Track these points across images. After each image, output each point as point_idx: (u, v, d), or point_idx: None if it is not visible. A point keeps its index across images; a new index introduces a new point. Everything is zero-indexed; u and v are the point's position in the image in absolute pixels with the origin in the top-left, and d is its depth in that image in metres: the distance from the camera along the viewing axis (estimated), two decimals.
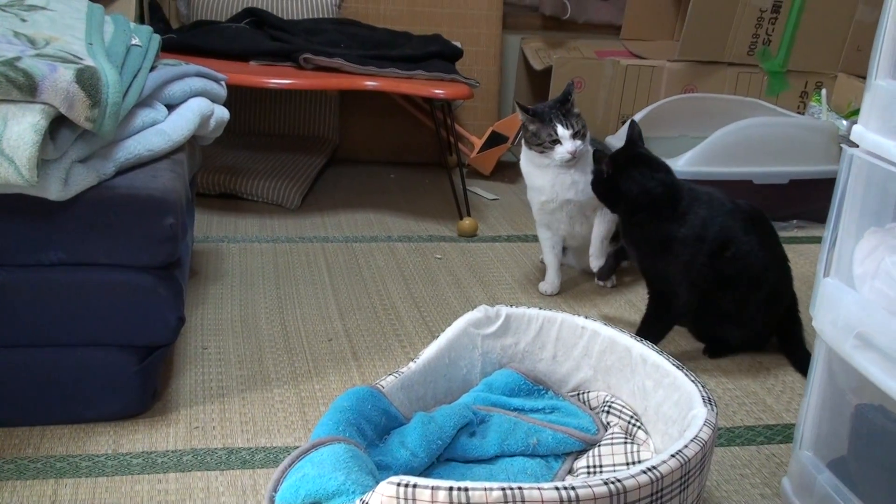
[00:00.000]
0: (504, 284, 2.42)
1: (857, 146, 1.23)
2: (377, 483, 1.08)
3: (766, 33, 3.49)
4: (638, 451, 1.48)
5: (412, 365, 1.52)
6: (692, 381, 1.42)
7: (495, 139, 3.32)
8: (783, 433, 1.75)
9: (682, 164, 2.79)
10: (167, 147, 1.77)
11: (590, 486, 1.08)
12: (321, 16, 3.29)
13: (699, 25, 3.39)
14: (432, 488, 1.06)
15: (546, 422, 1.54)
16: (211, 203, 2.89)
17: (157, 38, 2.02)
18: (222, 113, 2.11)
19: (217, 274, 2.36)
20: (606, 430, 1.55)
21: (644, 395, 1.54)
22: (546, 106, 2.24)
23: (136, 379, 1.63)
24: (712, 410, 1.32)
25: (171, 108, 1.90)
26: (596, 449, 1.50)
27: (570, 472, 1.49)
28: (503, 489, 1.06)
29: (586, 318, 1.66)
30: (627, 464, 1.45)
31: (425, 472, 1.41)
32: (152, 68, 1.88)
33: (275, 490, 1.18)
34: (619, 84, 3.51)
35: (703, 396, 1.37)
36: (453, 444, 1.46)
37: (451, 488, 1.05)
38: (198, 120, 1.93)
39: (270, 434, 1.65)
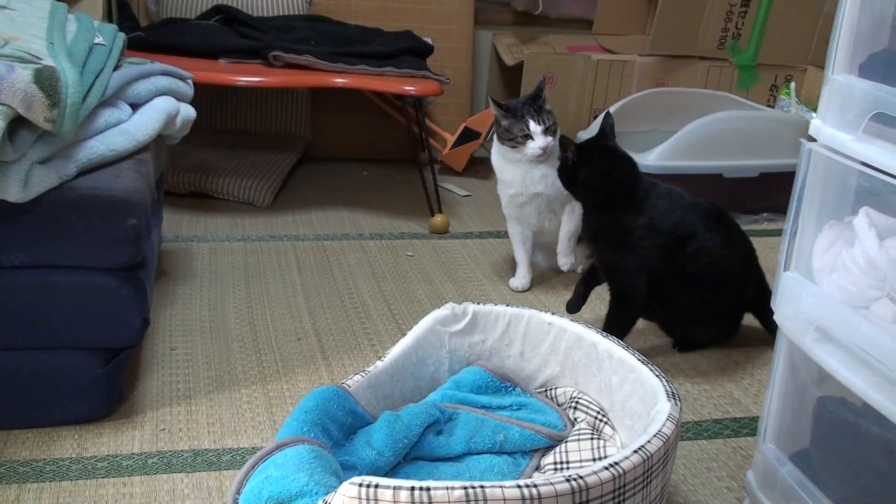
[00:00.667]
0: (475, 281, 2.42)
1: (816, 140, 1.23)
2: (341, 483, 1.08)
3: (736, 27, 3.50)
4: (604, 447, 1.48)
5: (379, 363, 1.51)
6: (657, 375, 1.42)
7: (468, 135, 3.32)
8: (750, 426, 1.76)
9: (654, 159, 2.80)
10: (131, 147, 1.75)
11: (552, 484, 1.08)
12: (292, 13, 3.27)
13: (670, 20, 3.41)
14: (394, 488, 1.05)
15: (513, 419, 1.54)
16: (181, 202, 2.87)
17: (121, 36, 2.01)
18: (188, 112, 2.09)
19: (186, 274, 2.34)
20: (573, 427, 1.55)
21: (610, 390, 1.54)
22: (519, 102, 2.27)
23: (101, 381, 1.62)
24: (676, 405, 1.33)
25: (136, 107, 1.88)
26: (563, 445, 1.51)
27: (538, 468, 1.49)
28: (465, 488, 1.05)
29: (554, 314, 1.66)
30: (594, 459, 1.46)
31: (392, 471, 1.41)
32: (117, 67, 1.87)
33: (238, 492, 1.17)
34: (591, 79, 3.52)
35: (667, 391, 1.37)
36: (420, 442, 1.46)
37: (412, 488, 1.05)
38: (163, 119, 1.91)
39: (237, 435, 1.64)
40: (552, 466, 1.47)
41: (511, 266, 2.49)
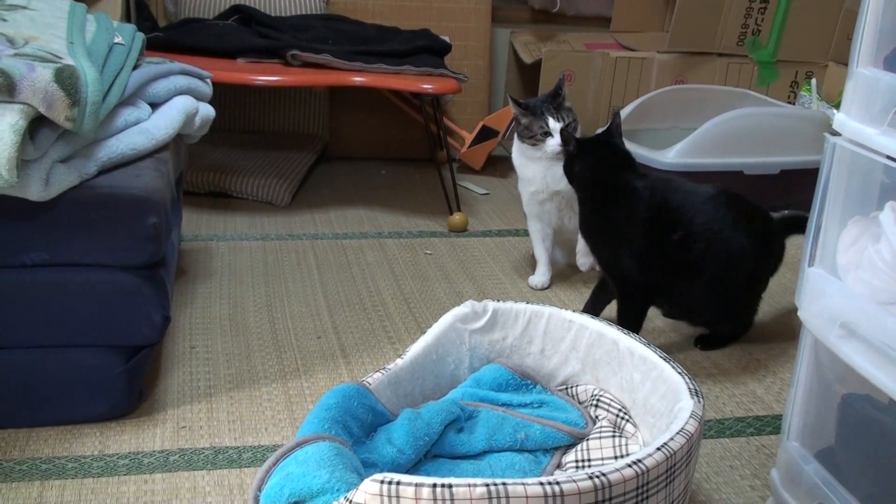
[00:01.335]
0: (494, 279, 2.41)
1: (840, 134, 1.22)
2: (362, 480, 1.08)
3: (756, 23, 3.48)
4: (626, 445, 1.47)
5: (399, 361, 1.51)
6: (679, 373, 1.41)
7: (486, 133, 3.31)
8: (773, 424, 1.75)
9: (673, 156, 2.79)
10: (151, 146, 1.76)
11: (574, 481, 1.08)
12: (309, 12, 3.27)
13: (688, 16, 3.39)
14: (416, 485, 1.05)
15: (534, 416, 1.53)
16: (200, 201, 2.88)
17: (140, 36, 2.01)
18: (207, 111, 2.09)
19: (206, 272, 2.35)
20: (595, 424, 1.54)
21: (632, 388, 1.53)
22: (538, 100, 2.28)
23: (122, 379, 1.62)
24: (699, 402, 1.32)
25: (155, 106, 1.89)
26: (584, 443, 1.50)
27: (559, 466, 1.48)
28: (487, 485, 1.05)
29: (574, 311, 1.66)
30: (616, 457, 1.45)
31: (412, 468, 1.41)
32: (136, 67, 1.87)
33: (259, 489, 1.17)
34: (609, 76, 3.50)
35: (689, 388, 1.36)
36: (441, 440, 1.46)
37: (434, 485, 1.05)
38: (182, 118, 1.92)
39: (258, 432, 1.64)
40: (573, 464, 1.46)
41: (530, 264, 2.48)
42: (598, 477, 1.09)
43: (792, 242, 2.07)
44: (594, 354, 1.62)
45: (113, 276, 1.57)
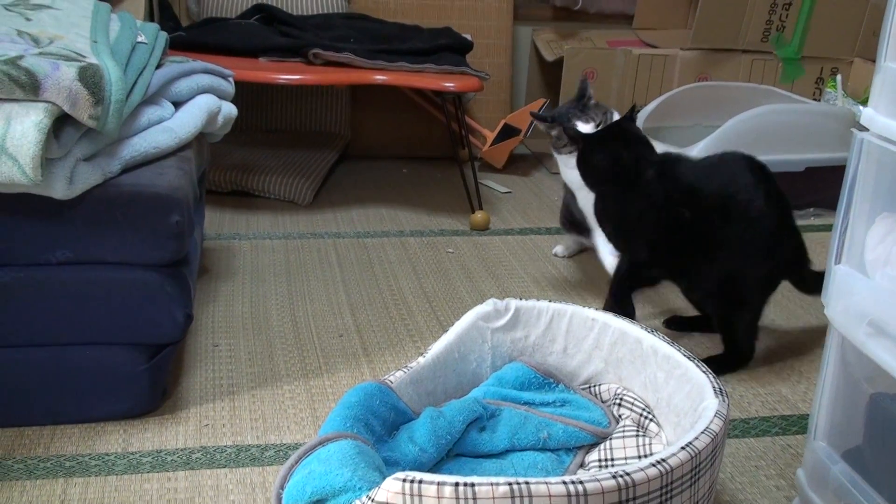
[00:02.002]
0: (516, 278, 2.40)
1: (868, 130, 1.20)
2: (384, 479, 1.07)
3: (780, 19, 3.45)
4: (650, 444, 1.46)
5: (421, 360, 1.51)
6: (703, 372, 1.40)
7: (508, 132, 3.30)
8: (799, 424, 1.73)
9: (697, 153, 2.76)
10: (174, 144, 1.76)
11: (598, 480, 1.07)
12: (331, 11, 3.28)
13: (712, 13, 3.36)
14: (438, 484, 1.04)
15: (557, 415, 1.52)
16: (223, 200, 2.89)
17: (163, 35, 2.02)
18: (230, 109, 2.10)
19: (228, 271, 2.35)
20: (618, 423, 1.53)
21: (655, 387, 1.52)
22: (563, 107, 2.26)
23: (145, 377, 1.63)
24: (724, 401, 1.30)
25: (178, 105, 1.89)
26: (608, 442, 1.49)
27: (582, 465, 1.47)
28: (510, 484, 1.04)
29: (597, 310, 1.64)
30: (639, 457, 1.44)
31: (434, 467, 1.40)
32: (159, 66, 1.87)
33: (281, 487, 1.17)
34: (632, 74, 3.48)
35: (714, 387, 1.35)
36: (463, 438, 1.45)
37: (457, 484, 1.04)
38: (205, 117, 1.92)
39: (280, 431, 1.65)
40: (597, 464, 1.45)
41: (552, 262, 2.47)
42: (622, 476, 1.08)
43: (813, 240, 2.04)
44: (617, 353, 1.60)
45: (136, 273, 1.57)
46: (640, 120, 3.10)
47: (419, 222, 2.80)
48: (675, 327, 2.11)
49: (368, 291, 2.27)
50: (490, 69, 3.32)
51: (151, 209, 1.55)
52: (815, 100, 3.49)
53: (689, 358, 1.45)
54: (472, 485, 1.04)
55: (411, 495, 1.05)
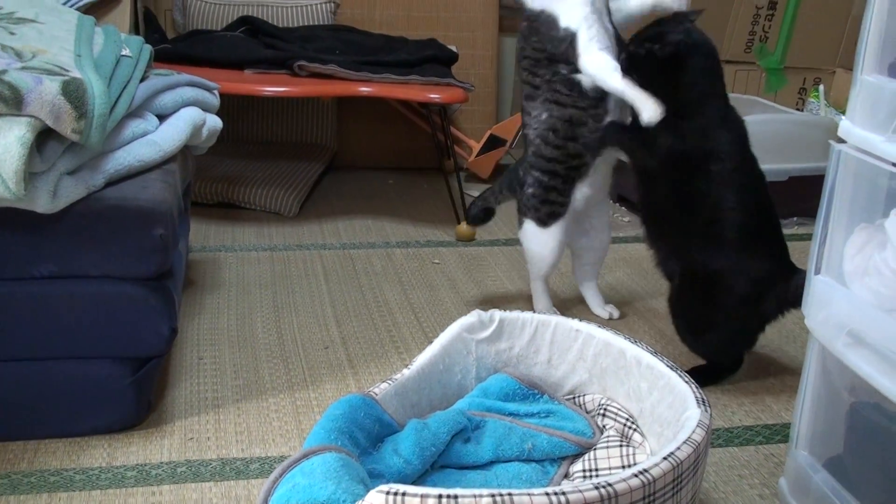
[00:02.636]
0: (502, 289, 2.41)
1: (845, 142, 1.22)
2: (368, 492, 1.08)
3: (763, 30, 3.47)
4: (634, 454, 1.46)
5: (406, 371, 1.51)
6: (686, 382, 1.41)
7: (494, 142, 3.31)
8: (782, 432, 1.74)
9: None
10: (158, 157, 1.76)
11: (580, 491, 1.07)
12: (317, 23, 3.29)
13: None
14: (421, 496, 1.05)
15: (541, 426, 1.53)
16: (208, 212, 2.89)
17: (148, 48, 2.02)
18: (215, 122, 2.10)
19: (214, 283, 2.35)
20: (602, 434, 1.53)
21: (639, 397, 1.53)
22: None
23: (130, 391, 1.63)
24: (706, 412, 1.31)
25: (163, 118, 1.90)
26: (592, 452, 1.49)
27: (567, 476, 1.48)
28: (493, 495, 1.05)
29: (581, 321, 1.65)
30: (623, 466, 1.44)
31: (419, 479, 1.40)
32: (143, 79, 1.88)
33: (266, 500, 1.17)
34: None
35: (696, 398, 1.36)
36: (448, 450, 1.45)
37: (440, 496, 1.05)
38: (189, 130, 1.92)
39: (265, 443, 1.65)
40: (581, 474, 1.46)
41: None
42: (604, 487, 1.08)
43: (797, 249, 2.05)
44: (601, 363, 1.61)
45: (120, 287, 1.57)
46: None
47: (405, 233, 2.81)
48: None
49: (354, 303, 2.27)
50: (475, 80, 3.34)
51: (135, 223, 1.55)
52: (798, 110, 3.52)
53: (671, 368, 1.46)
54: (455, 497, 1.04)
55: None
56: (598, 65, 1.93)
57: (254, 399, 1.79)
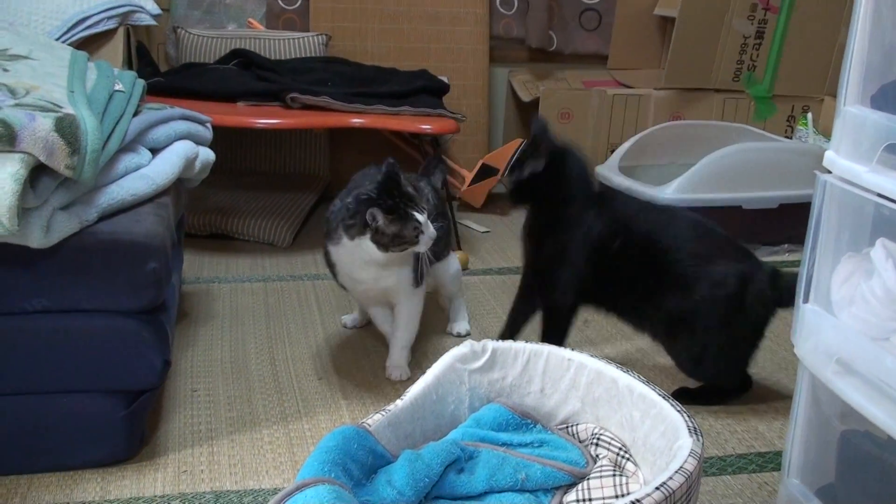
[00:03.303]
0: (495, 317, 2.41)
1: (830, 172, 1.23)
2: None
3: (751, 59, 3.51)
4: (627, 484, 1.46)
5: (399, 402, 1.51)
6: (678, 411, 1.41)
7: (486, 172, 3.33)
8: (775, 461, 1.74)
9: (671, 192, 2.80)
10: (151, 191, 1.77)
11: None
12: (309, 55, 3.31)
13: (684, 53, 3.42)
14: None
15: (535, 456, 1.53)
16: (202, 244, 2.90)
17: (140, 83, 2.04)
18: (207, 155, 2.12)
19: (207, 315, 2.36)
20: (595, 463, 1.53)
21: (632, 426, 1.53)
22: (389, 199, 1.87)
23: (124, 424, 1.63)
24: (698, 440, 1.32)
25: (156, 151, 1.91)
26: (585, 482, 1.49)
27: None
28: None
29: (573, 350, 1.66)
30: (617, 496, 1.44)
31: None
32: (136, 113, 1.89)
33: None
34: (607, 113, 3.53)
35: (688, 427, 1.36)
36: (441, 481, 1.45)
37: None
38: (182, 163, 1.94)
39: (259, 476, 1.64)
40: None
41: None
42: None
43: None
44: (594, 393, 1.62)
45: (113, 321, 1.58)
46: (616, 158, 3.14)
47: None
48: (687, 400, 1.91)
49: (347, 333, 2.28)
50: (467, 110, 3.36)
51: (128, 257, 1.56)
52: (787, 137, 3.55)
53: (663, 397, 1.47)
54: None
55: None
56: None
57: (247, 431, 1.79)
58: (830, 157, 1.23)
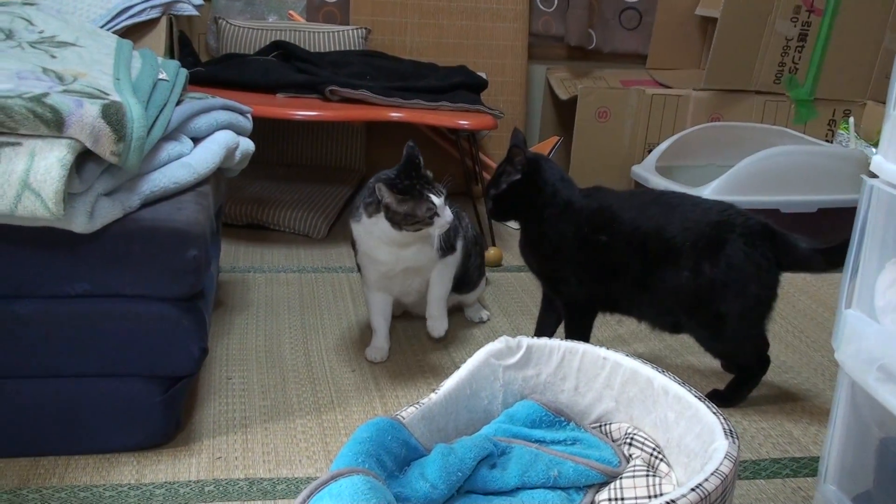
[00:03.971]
0: (528, 314, 2.41)
1: (878, 177, 1.22)
2: None
3: (793, 61, 3.47)
4: (660, 484, 1.46)
5: (433, 396, 1.51)
6: (714, 413, 1.40)
7: None
8: (810, 466, 1.73)
9: (709, 193, 2.78)
10: (192, 180, 1.79)
11: None
12: (348, 48, 3.32)
13: (725, 54, 3.39)
14: None
15: (567, 454, 1.53)
16: (238, 233, 2.92)
17: (184, 72, 2.05)
18: (247, 145, 2.13)
19: (243, 304, 2.38)
20: (628, 463, 1.53)
21: (666, 427, 1.52)
22: (406, 180, 1.97)
23: (160, 409, 1.64)
24: (734, 443, 1.31)
25: (197, 140, 1.93)
26: (618, 482, 1.49)
27: None
28: None
29: (608, 349, 1.65)
30: (649, 497, 1.44)
31: None
32: (179, 102, 1.91)
33: None
34: (645, 113, 3.51)
35: (724, 429, 1.35)
36: (473, 476, 1.45)
37: None
38: (223, 153, 1.95)
39: (292, 464, 1.66)
40: (607, 503, 1.45)
41: None
42: None
43: (826, 281, 2.04)
44: (628, 392, 1.61)
45: (153, 307, 1.60)
46: (653, 158, 3.12)
47: None
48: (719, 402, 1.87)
49: None
50: (504, 107, 3.36)
51: (169, 244, 1.57)
52: (827, 141, 3.51)
53: (699, 399, 1.46)
54: None
55: None
56: None
57: (281, 420, 1.80)
58: (878, 161, 1.22)
